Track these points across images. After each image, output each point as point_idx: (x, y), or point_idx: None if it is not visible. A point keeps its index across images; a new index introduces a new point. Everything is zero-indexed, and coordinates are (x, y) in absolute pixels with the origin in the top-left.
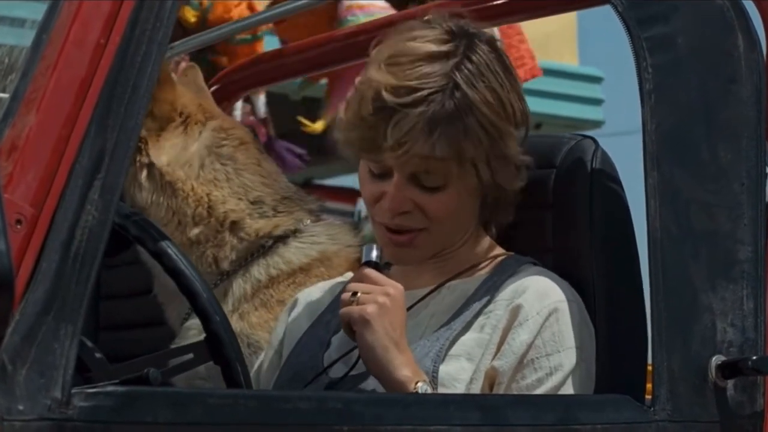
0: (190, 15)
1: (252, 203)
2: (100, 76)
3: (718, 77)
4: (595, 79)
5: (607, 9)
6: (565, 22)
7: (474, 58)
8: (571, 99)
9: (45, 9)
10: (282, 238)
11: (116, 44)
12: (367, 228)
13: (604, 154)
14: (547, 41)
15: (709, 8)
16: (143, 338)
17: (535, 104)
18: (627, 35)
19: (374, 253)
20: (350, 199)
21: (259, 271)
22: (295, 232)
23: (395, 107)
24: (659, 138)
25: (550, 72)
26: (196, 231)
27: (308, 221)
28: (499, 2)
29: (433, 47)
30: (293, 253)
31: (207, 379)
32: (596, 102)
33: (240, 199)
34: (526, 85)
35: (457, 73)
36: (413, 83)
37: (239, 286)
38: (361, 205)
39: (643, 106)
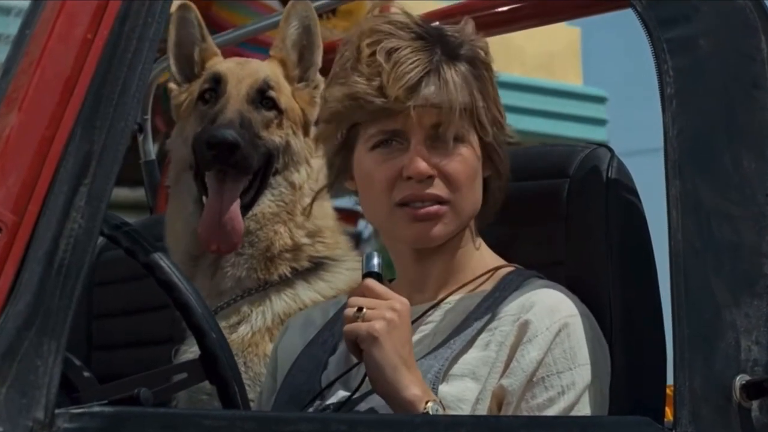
0: None
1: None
2: (87, 74)
3: (740, 82)
4: (599, 100)
5: (611, 28)
6: (569, 41)
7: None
8: (575, 119)
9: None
10: (328, 262)
11: (104, 40)
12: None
13: (620, 163)
14: (552, 61)
15: (732, 9)
16: (139, 358)
17: (538, 124)
18: (647, 37)
19: (375, 262)
20: (350, 220)
21: (306, 294)
22: (337, 258)
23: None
24: (681, 145)
25: (554, 92)
26: (305, 241)
27: (347, 247)
28: (511, 7)
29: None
30: (339, 279)
31: (212, 394)
32: (600, 122)
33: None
34: (529, 105)
35: (451, 29)
36: (415, 29)
37: (283, 301)
38: (362, 226)
39: (664, 112)
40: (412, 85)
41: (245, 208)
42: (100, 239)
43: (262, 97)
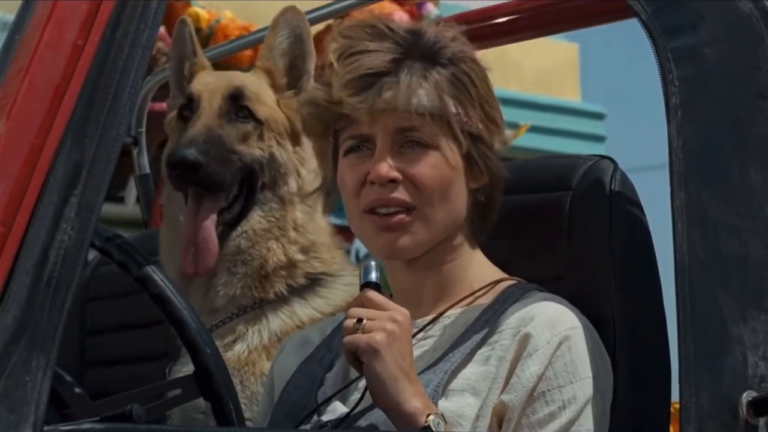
0: None
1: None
2: (77, 81)
3: (746, 91)
4: (598, 116)
5: (610, 44)
6: (567, 57)
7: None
8: (573, 135)
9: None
10: (325, 278)
11: (95, 46)
12: None
13: (624, 175)
14: (550, 77)
15: (738, 18)
16: (133, 375)
17: (536, 141)
18: (651, 46)
19: (374, 274)
20: (347, 237)
21: (303, 311)
22: (334, 274)
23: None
24: (686, 156)
25: (552, 108)
26: (299, 257)
27: (343, 262)
28: (516, 17)
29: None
30: (336, 295)
31: (207, 413)
32: (599, 139)
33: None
34: (527, 121)
35: (434, 33)
36: (390, 44)
37: (279, 319)
38: (359, 244)
39: (668, 122)
40: (358, 87)
41: (230, 226)
42: (94, 254)
43: (237, 108)
